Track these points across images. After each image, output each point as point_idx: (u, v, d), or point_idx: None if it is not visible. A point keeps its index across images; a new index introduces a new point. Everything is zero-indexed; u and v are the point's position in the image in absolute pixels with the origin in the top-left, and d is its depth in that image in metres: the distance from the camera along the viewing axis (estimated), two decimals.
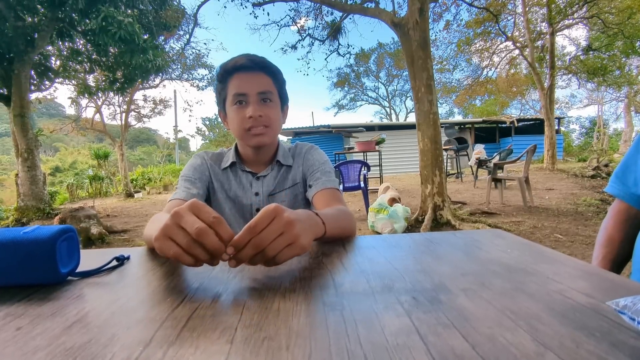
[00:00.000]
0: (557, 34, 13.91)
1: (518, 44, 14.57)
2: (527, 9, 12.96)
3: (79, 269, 0.63)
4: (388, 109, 42.97)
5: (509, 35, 14.88)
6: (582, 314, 0.41)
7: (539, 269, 0.57)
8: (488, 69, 19.82)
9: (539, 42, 14.23)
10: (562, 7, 12.54)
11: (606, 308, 0.42)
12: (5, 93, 8.30)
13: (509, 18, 15.50)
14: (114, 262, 0.69)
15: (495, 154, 9.58)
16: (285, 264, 0.65)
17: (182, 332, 0.40)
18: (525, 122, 20.51)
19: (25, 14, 8.03)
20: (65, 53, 10.23)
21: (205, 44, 30.44)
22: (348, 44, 11.01)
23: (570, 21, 13.89)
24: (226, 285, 0.55)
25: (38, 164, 8.15)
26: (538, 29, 14.49)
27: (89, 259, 0.71)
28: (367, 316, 0.42)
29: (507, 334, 0.37)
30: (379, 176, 8.90)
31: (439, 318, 0.41)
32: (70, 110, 26.51)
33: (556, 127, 16.26)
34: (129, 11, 8.81)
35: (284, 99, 1.21)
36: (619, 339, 0.35)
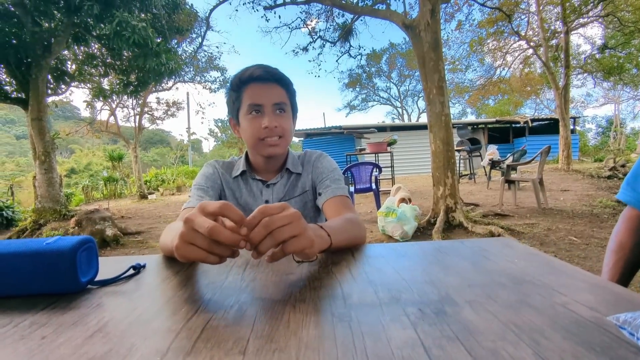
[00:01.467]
0: (572, 32, 13.72)
1: (532, 43, 14.39)
2: (540, 7, 12.79)
3: (98, 278, 0.66)
4: (400, 110, 42.84)
5: (523, 34, 14.72)
6: (584, 328, 0.42)
7: (545, 280, 0.58)
8: (501, 69, 19.63)
9: (554, 41, 14.03)
10: (576, 5, 12.36)
11: (609, 322, 0.43)
12: (23, 97, 8.48)
13: (523, 17, 15.33)
14: (131, 271, 0.71)
15: (509, 154, 9.48)
16: (296, 272, 0.66)
17: (196, 343, 0.42)
18: (540, 122, 20.25)
19: (42, 19, 8.20)
20: (80, 57, 10.41)
21: (217, 47, 30.64)
22: (359, 46, 11.00)
23: (585, 19, 13.69)
24: (238, 295, 0.57)
25: (55, 166, 8.30)
26: (552, 27, 14.30)
27: (106, 266, 0.74)
28: (374, 328, 0.43)
29: (509, 347, 0.38)
30: (390, 177, 8.87)
31: (443, 331, 0.42)
32: (85, 113, 26.94)
33: (571, 127, 16.05)
34: (143, 15, 8.92)
35: (294, 110, 1.23)
36: (618, 355, 0.36)
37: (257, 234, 0.57)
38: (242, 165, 1.26)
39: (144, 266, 0.75)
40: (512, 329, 0.42)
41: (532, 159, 6.34)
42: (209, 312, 0.51)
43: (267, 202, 1.22)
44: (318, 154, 1.31)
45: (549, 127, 19.70)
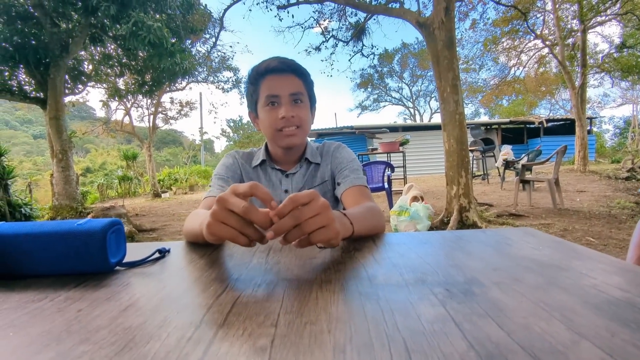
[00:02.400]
0: (589, 31, 13.52)
1: (548, 42, 14.20)
2: (557, 6, 12.62)
3: (125, 260, 0.67)
4: (412, 110, 42.66)
5: (538, 33, 14.54)
6: (616, 306, 0.41)
7: (572, 265, 0.57)
8: (516, 68, 19.42)
9: (570, 40, 13.84)
10: (594, 3, 12.17)
11: None
12: (42, 96, 8.65)
13: (538, 16, 15.15)
14: (157, 254, 0.72)
15: (524, 155, 9.37)
16: (319, 257, 0.67)
17: (228, 317, 0.42)
18: (555, 123, 19.95)
19: (61, 20, 8.37)
20: (97, 57, 10.59)
21: (230, 46, 30.88)
22: (372, 45, 10.98)
23: (603, 18, 13.47)
24: (264, 276, 0.58)
25: (71, 164, 8.45)
26: (569, 26, 14.12)
27: (132, 251, 0.75)
28: (402, 305, 0.44)
29: (541, 323, 0.38)
30: (402, 177, 8.84)
31: (473, 308, 0.42)
32: (101, 113, 27.33)
33: (588, 128, 15.79)
34: (158, 16, 9.04)
35: (312, 100, 1.24)
36: None
37: (285, 224, 0.58)
38: (261, 155, 1.27)
39: (168, 250, 0.77)
40: (542, 307, 0.42)
41: (548, 159, 6.25)
42: (238, 289, 0.52)
43: (286, 191, 1.23)
44: (337, 145, 1.32)
45: (565, 127, 19.43)
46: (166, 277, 0.60)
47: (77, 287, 0.56)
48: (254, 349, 0.35)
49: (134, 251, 0.75)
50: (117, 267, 0.65)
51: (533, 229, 0.84)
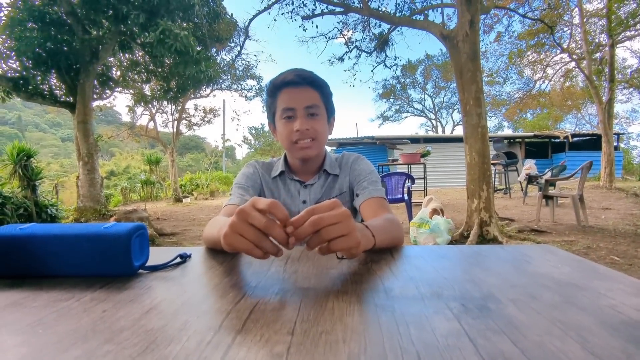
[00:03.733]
0: (618, 45, 13.20)
1: (574, 56, 13.97)
2: (584, 20, 12.42)
3: (147, 264, 0.69)
4: (434, 121, 42.31)
5: (565, 47, 14.30)
6: (634, 328, 0.41)
7: (591, 284, 0.57)
8: (541, 82, 19.11)
9: (598, 55, 13.56)
10: (623, 18, 11.92)
11: None
12: (71, 101, 8.95)
13: (565, 29, 14.92)
14: (178, 259, 0.74)
15: (547, 170, 9.18)
16: (336, 268, 0.68)
17: (246, 323, 0.44)
18: (581, 138, 19.50)
19: (92, 27, 8.66)
20: (125, 64, 10.90)
21: (255, 55, 31.33)
22: (395, 56, 11.01)
23: (632, 33, 13.16)
24: (282, 285, 0.59)
25: (97, 167, 8.68)
26: (596, 40, 13.83)
27: (154, 255, 0.78)
28: (417, 319, 0.44)
29: (556, 342, 0.38)
30: (423, 189, 8.76)
31: (487, 324, 0.42)
32: (126, 118, 27.98)
33: (615, 144, 15.38)
34: (185, 24, 9.27)
35: (330, 111, 1.25)
36: None
37: (304, 230, 0.58)
38: (280, 166, 1.29)
39: (189, 256, 0.79)
40: (557, 326, 0.42)
41: (572, 175, 6.11)
42: (256, 297, 0.53)
43: (304, 202, 1.25)
44: (355, 157, 1.33)
45: (591, 143, 18.96)
46: (187, 282, 0.62)
47: (102, 288, 0.58)
48: (271, 355, 0.36)
49: (156, 255, 0.78)
50: (140, 271, 0.68)
51: (553, 247, 0.83)
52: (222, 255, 0.81)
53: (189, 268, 0.71)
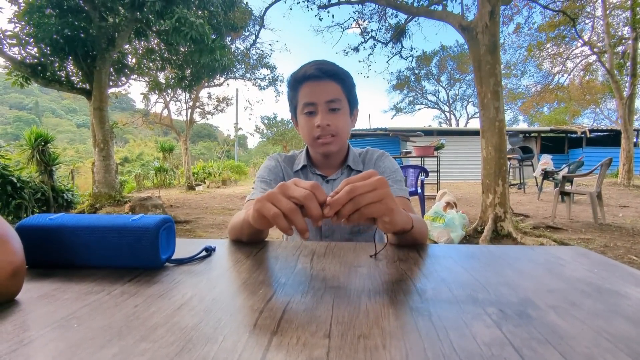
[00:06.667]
0: None
1: (596, 50, 13.63)
2: (607, 12, 12.08)
3: (173, 257, 0.69)
4: (448, 114, 41.89)
5: (586, 39, 13.97)
6: None
7: (632, 292, 0.55)
8: (560, 75, 18.74)
9: (620, 48, 13.21)
10: None
11: None
12: (87, 88, 9.03)
13: (587, 21, 14.55)
14: (203, 253, 0.74)
15: (564, 165, 9.02)
16: (364, 266, 0.67)
17: (281, 323, 0.43)
18: (599, 133, 19.15)
19: (109, 14, 8.70)
20: (140, 51, 10.95)
21: (270, 44, 31.20)
22: (411, 47, 10.86)
23: None
24: (311, 282, 0.58)
25: (112, 154, 8.77)
26: (619, 33, 13.48)
27: (179, 247, 0.77)
28: (456, 324, 0.43)
29: (607, 355, 0.36)
30: (436, 183, 8.68)
31: (531, 333, 0.41)
32: (140, 105, 28.20)
33: (635, 140, 15.05)
34: (200, 12, 9.25)
35: (353, 103, 1.21)
36: None
37: (340, 199, 0.59)
38: (302, 160, 1.27)
39: (214, 249, 0.78)
40: (605, 337, 0.40)
41: (591, 171, 5.99)
42: (286, 295, 0.52)
43: None
44: (380, 153, 1.30)
45: (609, 138, 18.61)
46: (215, 276, 0.62)
47: (131, 282, 0.58)
48: (310, 359, 0.35)
49: (181, 247, 0.78)
50: (167, 264, 0.68)
51: (584, 249, 0.81)
52: (248, 248, 0.81)
53: (215, 262, 0.71)
